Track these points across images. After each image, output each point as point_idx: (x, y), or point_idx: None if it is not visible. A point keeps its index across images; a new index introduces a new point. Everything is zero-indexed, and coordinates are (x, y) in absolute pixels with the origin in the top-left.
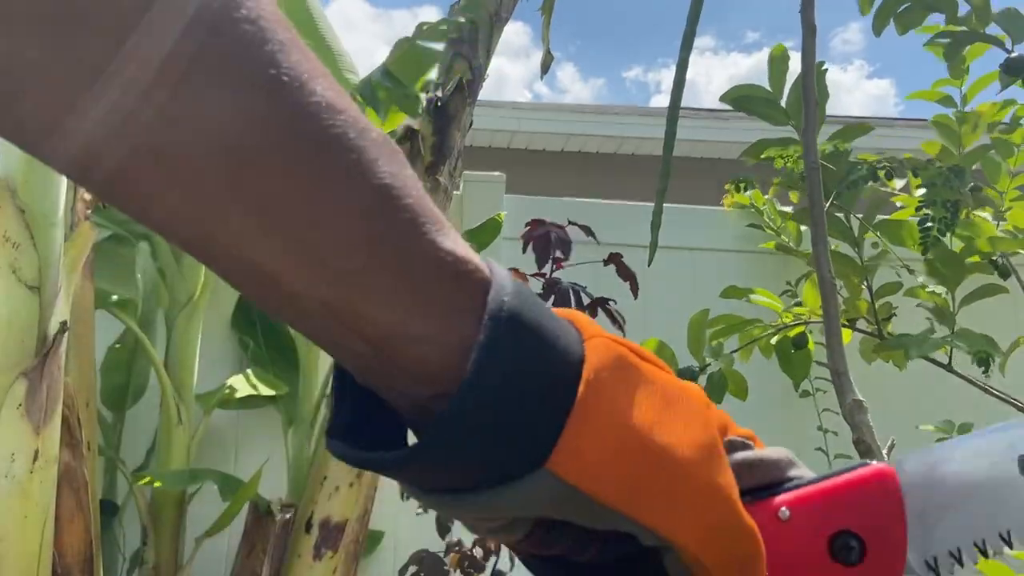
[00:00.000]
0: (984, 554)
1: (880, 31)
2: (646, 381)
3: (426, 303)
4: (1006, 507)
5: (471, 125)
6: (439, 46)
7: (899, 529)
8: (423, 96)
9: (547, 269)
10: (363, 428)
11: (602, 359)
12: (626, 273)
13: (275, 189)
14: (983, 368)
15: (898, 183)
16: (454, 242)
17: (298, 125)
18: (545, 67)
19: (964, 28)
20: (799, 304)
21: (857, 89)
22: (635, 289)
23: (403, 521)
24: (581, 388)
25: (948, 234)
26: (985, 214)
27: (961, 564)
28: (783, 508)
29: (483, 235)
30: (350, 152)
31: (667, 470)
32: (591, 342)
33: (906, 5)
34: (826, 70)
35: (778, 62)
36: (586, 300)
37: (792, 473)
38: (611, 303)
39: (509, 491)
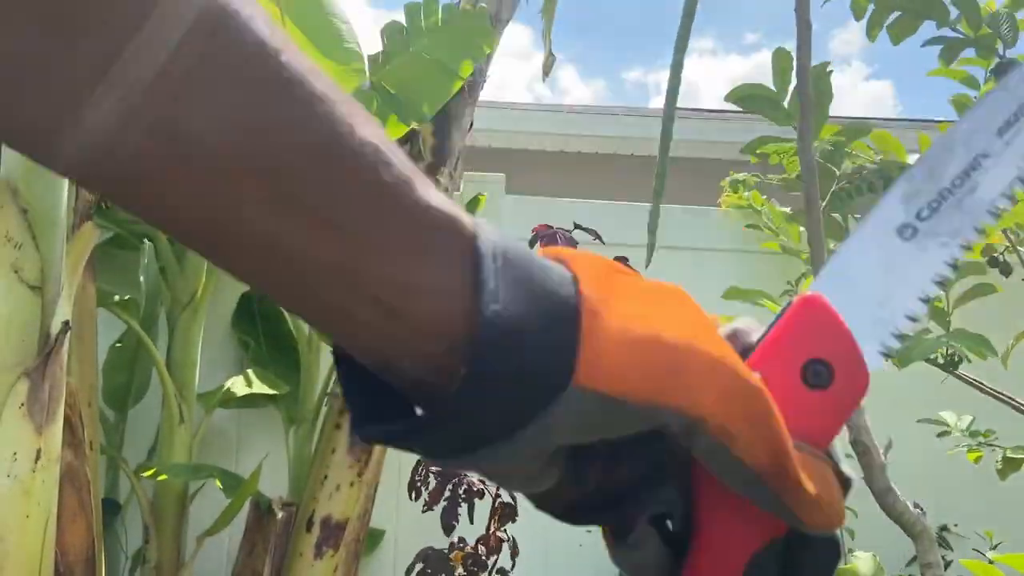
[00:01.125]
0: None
1: (874, 38)
2: (632, 282)
3: (427, 252)
4: (902, 276)
5: (472, 126)
6: None
7: (848, 342)
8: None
9: None
10: (376, 412)
11: (590, 270)
12: None
13: (282, 161)
14: (954, 366)
15: None
16: (439, 196)
17: (296, 109)
18: (547, 69)
19: (957, 34)
20: None
21: (856, 90)
22: None
23: (404, 520)
24: (583, 300)
25: None
26: None
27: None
28: (755, 372)
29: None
30: (342, 123)
31: (678, 351)
32: (575, 260)
33: (897, 14)
34: (831, 71)
35: (781, 62)
36: None
37: (756, 337)
38: None
39: (544, 420)
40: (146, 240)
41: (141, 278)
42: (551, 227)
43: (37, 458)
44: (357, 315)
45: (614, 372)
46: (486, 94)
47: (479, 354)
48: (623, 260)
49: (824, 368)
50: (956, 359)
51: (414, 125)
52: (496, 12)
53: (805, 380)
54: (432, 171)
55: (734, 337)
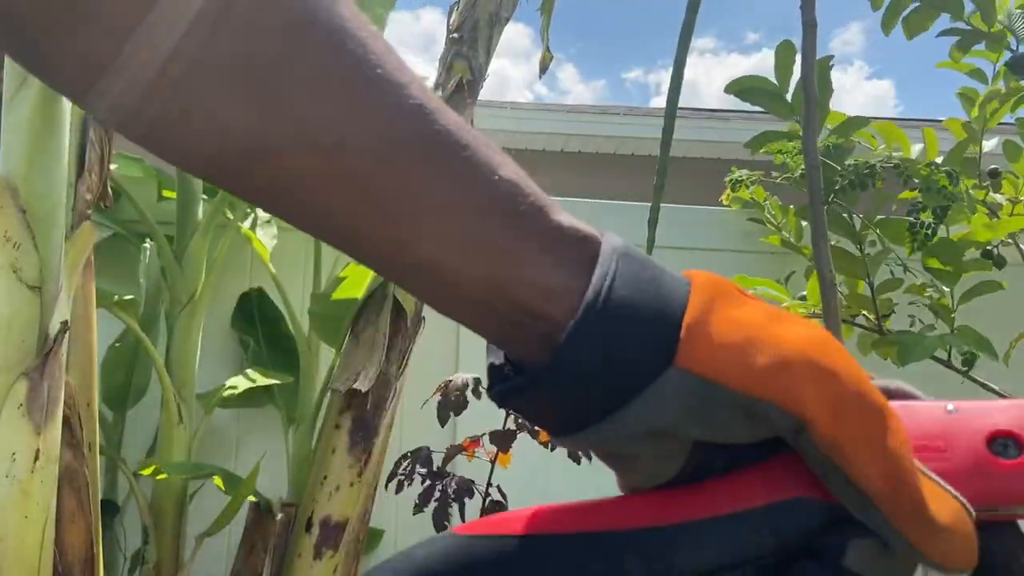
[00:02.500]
0: None
1: (889, 31)
2: (757, 302)
3: (563, 264)
4: None
5: (472, 126)
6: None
7: None
8: None
9: None
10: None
11: (707, 279)
12: None
13: (435, 190)
14: (967, 368)
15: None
16: (568, 217)
17: (426, 136)
18: (544, 66)
19: (969, 27)
20: (803, 298)
21: (857, 90)
22: None
23: (403, 520)
24: (693, 294)
25: (935, 237)
26: (1001, 198)
27: None
28: (950, 404)
29: None
30: (487, 166)
31: (784, 349)
32: (693, 272)
33: (914, 6)
34: (832, 65)
35: (784, 55)
36: None
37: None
38: None
39: (642, 402)
40: (148, 239)
41: (141, 278)
42: None
43: (36, 458)
44: (499, 313)
45: (715, 357)
46: (486, 94)
47: (583, 327)
48: None
49: (1013, 444)
50: (972, 357)
51: None
52: (495, 10)
53: (990, 446)
54: None
55: (886, 391)
